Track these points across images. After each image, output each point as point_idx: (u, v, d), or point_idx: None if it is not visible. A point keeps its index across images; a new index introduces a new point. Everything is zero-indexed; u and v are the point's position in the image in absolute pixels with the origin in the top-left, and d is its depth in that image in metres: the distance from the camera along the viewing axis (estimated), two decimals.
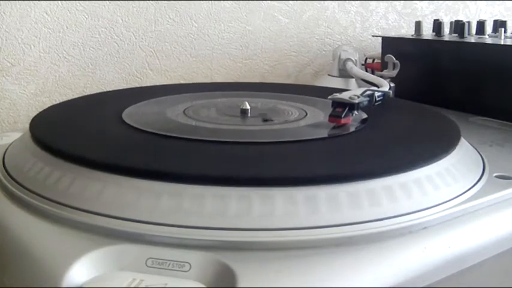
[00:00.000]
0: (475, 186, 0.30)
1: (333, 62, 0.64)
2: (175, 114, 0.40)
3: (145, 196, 0.26)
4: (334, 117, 0.37)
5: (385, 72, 0.55)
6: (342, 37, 0.75)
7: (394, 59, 0.54)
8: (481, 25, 0.58)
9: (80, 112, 0.41)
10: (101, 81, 0.59)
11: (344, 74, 0.63)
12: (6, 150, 0.35)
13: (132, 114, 0.39)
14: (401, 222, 0.26)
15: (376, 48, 0.69)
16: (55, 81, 0.57)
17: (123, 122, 0.37)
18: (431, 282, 0.25)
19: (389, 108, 0.43)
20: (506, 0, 0.91)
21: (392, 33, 0.78)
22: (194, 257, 0.23)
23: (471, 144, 0.37)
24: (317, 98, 0.46)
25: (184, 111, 0.41)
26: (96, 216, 0.25)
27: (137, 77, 0.61)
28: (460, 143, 0.34)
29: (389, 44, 0.61)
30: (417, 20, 0.63)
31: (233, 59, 0.67)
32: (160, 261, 0.23)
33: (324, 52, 0.73)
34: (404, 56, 0.56)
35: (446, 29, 0.60)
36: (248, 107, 0.41)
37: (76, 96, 0.55)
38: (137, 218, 0.25)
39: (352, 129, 0.37)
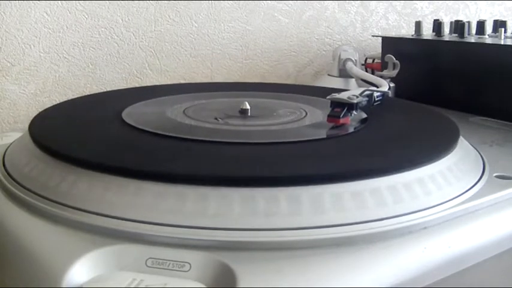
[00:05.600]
0: (475, 186, 0.30)
1: (333, 62, 0.64)
2: (175, 114, 0.40)
3: (145, 196, 0.26)
4: (332, 117, 0.37)
5: (385, 72, 0.55)
6: (342, 37, 0.75)
7: (394, 59, 0.54)
8: (481, 25, 0.58)
9: (80, 112, 0.41)
10: (101, 81, 0.59)
11: (344, 74, 0.63)
12: (6, 150, 0.35)
13: (132, 114, 0.39)
14: (401, 222, 0.26)
15: (376, 48, 0.69)
16: (55, 81, 0.57)
17: (123, 122, 0.37)
18: (431, 282, 0.25)
19: (389, 108, 0.43)
20: (506, 0, 0.91)
21: (393, 33, 0.78)
22: (194, 257, 0.23)
23: (471, 144, 0.37)
24: (317, 98, 0.46)
25: (184, 111, 0.41)
26: (96, 216, 0.25)
27: (137, 77, 0.61)
28: (460, 143, 0.34)
29: (389, 44, 0.61)
30: (417, 20, 0.63)
31: (233, 59, 0.67)
32: (160, 261, 0.23)
33: (324, 52, 0.73)
34: (404, 56, 0.56)
35: (446, 29, 0.60)
36: (248, 107, 0.41)
37: (76, 96, 0.55)
38: (137, 218, 0.25)
39: (351, 129, 0.37)
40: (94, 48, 0.58)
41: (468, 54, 0.53)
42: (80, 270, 0.22)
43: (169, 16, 0.62)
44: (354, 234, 0.25)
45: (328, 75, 0.65)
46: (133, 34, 0.60)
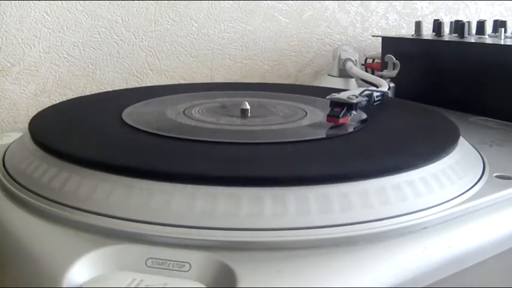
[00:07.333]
0: (475, 186, 0.30)
1: (333, 62, 0.64)
2: (175, 114, 0.40)
3: (145, 196, 0.26)
4: (332, 117, 0.37)
5: (385, 72, 0.55)
6: (342, 37, 0.75)
7: (394, 59, 0.54)
8: (481, 25, 0.58)
9: (80, 112, 0.41)
10: (101, 81, 0.59)
11: (344, 74, 0.63)
12: (6, 150, 0.35)
13: (132, 114, 0.39)
14: (402, 222, 0.26)
15: (376, 48, 0.69)
16: (55, 81, 0.57)
17: (123, 122, 0.37)
18: (431, 282, 0.25)
19: (389, 108, 0.43)
20: (506, 0, 0.91)
21: (393, 33, 0.78)
22: (194, 257, 0.23)
23: (471, 144, 0.37)
24: (317, 98, 0.46)
25: (184, 111, 0.41)
26: (96, 216, 0.25)
27: (137, 77, 0.61)
28: (460, 143, 0.34)
29: (389, 44, 0.61)
30: (417, 20, 0.63)
31: (233, 59, 0.67)
32: (160, 261, 0.23)
33: (324, 52, 0.73)
34: (404, 56, 0.56)
35: (446, 29, 0.60)
36: (248, 107, 0.41)
37: (76, 96, 0.55)
38: (137, 218, 0.25)
39: (351, 129, 0.37)
40: (94, 48, 0.58)
41: (468, 54, 0.53)
42: (80, 270, 0.22)
43: (169, 16, 0.62)
44: (354, 234, 0.25)
45: (328, 75, 0.65)
46: (133, 34, 0.60)
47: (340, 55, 0.63)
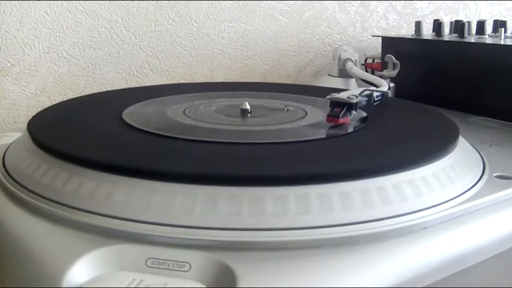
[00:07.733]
0: (475, 186, 0.30)
1: (333, 62, 0.64)
2: (175, 114, 0.40)
3: (145, 196, 0.26)
4: (332, 117, 0.37)
5: (385, 72, 0.55)
6: (342, 37, 0.75)
7: (394, 59, 0.54)
8: (481, 25, 0.58)
9: (80, 112, 0.41)
10: (101, 81, 0.59)
11: (344, 74, 0.63)
12: (6, 150, 0.35)
13: (132, 114, 0.39)
14: (402, 222, 0.26)
15: (376, 48, 0.69)
16: (55, 81, 0.57)
17: (124, 121, 0.37)
18: (431, 282, 0.25)
19: (389, 108, 0.43)
20: (506, 0, 0.91)
21: (393, 33, 0.78)
22: (194, 257, 0.23)
23: (471, 144, 0.37)
24: (317, 98, 0.46)
25: (184, 111, 0.41)
26: (96, 216, 0.25)
27: (137, 77, 0.61)
28: (459, 143, 0.34)
29: (390, 44, 0.61)
30: (417, 20, 0.63)
31: (233, 59, 0.67)
32: (160, 261, 0.23)
33: (324, 52, 0.73)
34: (404, 56, 0.56)
35: (446, 29, 0.60)
36: (248, 107, 0.41)
37: (76, 96, 0.55)
38: (137, 218, 0.25)
39: (351, 129, 0.37)
40: (94, 48, 0.58)
41: (468, 54, 0.53)
42: (80, 270, 0.22)
43: (169, 16, 0.62)
44: (354, 234, 0.25)
45: (328, 75, 0.65)
46: (133, 34, 0.60)
47: (340, 55, 0.63)
